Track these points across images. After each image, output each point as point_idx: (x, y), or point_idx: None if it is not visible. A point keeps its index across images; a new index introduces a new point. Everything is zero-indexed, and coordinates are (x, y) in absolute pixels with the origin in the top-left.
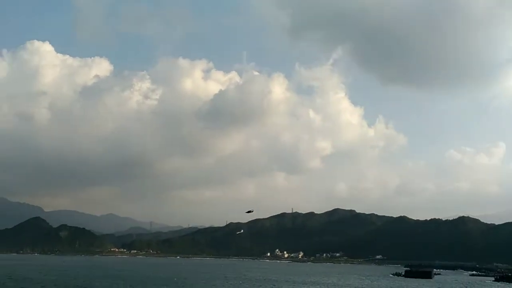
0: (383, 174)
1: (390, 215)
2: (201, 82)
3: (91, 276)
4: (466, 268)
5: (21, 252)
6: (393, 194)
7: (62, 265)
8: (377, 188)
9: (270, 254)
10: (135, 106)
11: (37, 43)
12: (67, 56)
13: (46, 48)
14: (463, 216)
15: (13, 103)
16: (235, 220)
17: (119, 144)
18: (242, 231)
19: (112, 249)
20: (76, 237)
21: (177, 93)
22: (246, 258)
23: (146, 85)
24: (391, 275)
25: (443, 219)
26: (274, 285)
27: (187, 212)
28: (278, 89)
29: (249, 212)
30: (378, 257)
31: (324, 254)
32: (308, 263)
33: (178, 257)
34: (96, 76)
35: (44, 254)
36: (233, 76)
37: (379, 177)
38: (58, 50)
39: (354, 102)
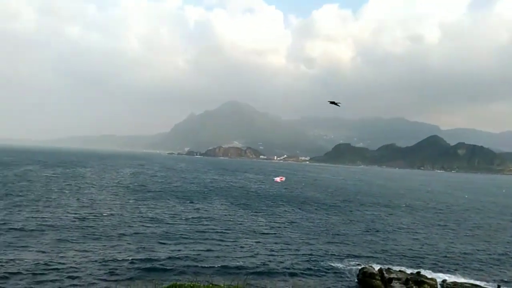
0: None
1: None
2: None
3: None
4: None
5: (422, 168)
6: None
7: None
8: None
9: None
10: None
11: None
12: None
13: None
14: None
15: (404, 27)
16: None
17: None
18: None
19: None
20: (474, 155)
21: None
22: None
23: None
24: None
25: None
26: None
27: None
28: None
29: (334, 103)
30: None
31: None
32: None
33: None
34: None
35: (444, 170)
36: None
37: None
38: None
39: None
